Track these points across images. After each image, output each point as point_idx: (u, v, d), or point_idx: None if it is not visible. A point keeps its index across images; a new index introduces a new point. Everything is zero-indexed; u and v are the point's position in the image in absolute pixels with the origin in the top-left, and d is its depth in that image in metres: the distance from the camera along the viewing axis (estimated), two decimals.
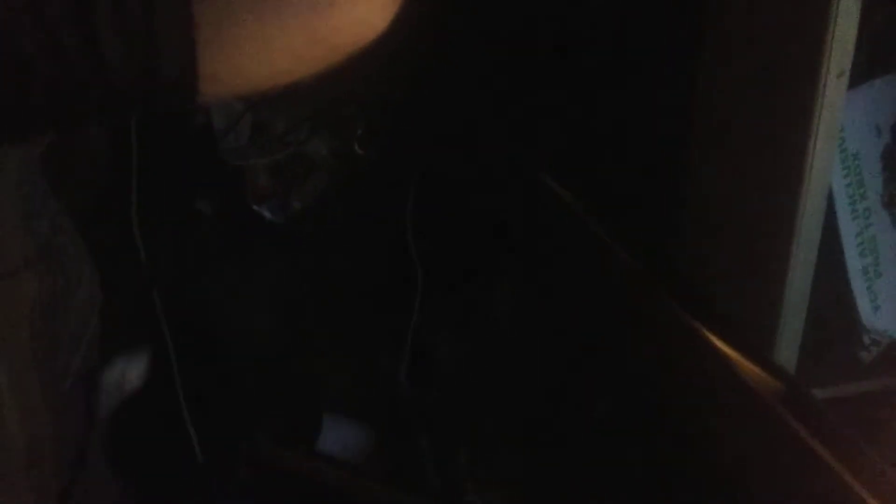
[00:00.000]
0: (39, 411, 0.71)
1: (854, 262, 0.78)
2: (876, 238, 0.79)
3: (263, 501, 0.92)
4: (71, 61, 0.39)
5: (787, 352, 0.77)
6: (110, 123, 0.65)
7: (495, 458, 1.01)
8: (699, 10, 0.72)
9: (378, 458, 1.03)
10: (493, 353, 1.01)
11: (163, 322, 0.87)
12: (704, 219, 0.77)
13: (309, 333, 1.00)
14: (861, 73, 0.70)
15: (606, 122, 0.87)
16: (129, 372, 0.83)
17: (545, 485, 0.94)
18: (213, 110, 0.84)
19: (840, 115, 0.65)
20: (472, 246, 0.98)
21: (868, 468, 0.60)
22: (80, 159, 0.79)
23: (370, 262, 0.98)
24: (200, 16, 0.39)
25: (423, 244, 0.97)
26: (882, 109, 0.76)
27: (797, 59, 0.63)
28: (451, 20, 0.68)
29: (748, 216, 0.73)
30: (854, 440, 0.63)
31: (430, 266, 0.97)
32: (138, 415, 0.87)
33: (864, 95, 0.74)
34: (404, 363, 1.02)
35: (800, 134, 0.65)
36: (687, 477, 0.75)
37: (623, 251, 0.79)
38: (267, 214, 0.94)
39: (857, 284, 0.79)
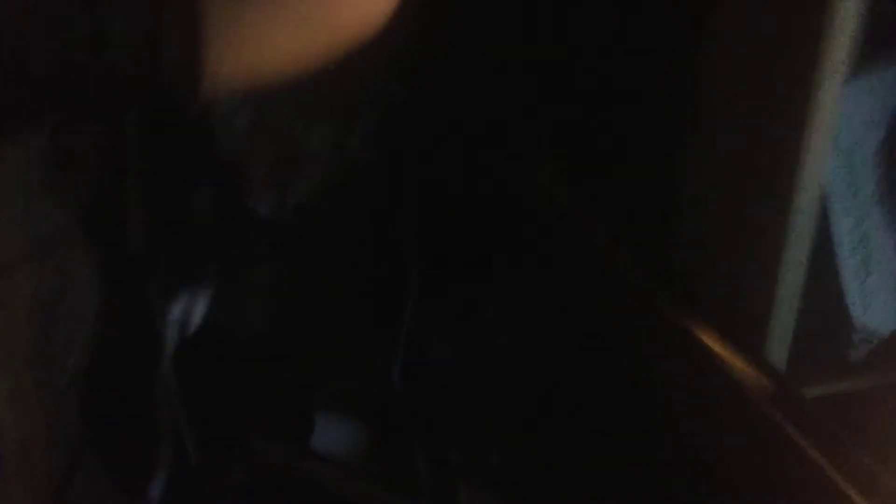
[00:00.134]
0: (34, 411, 0.71)
1: (846, 260, 0.79)
2: (868, 235, 0.80)
3: (257, 501, 0.92)
4: (76, 48, 0.39)
5: (779, 349, 0.77)
6: (111, 115, 0.65)
7: (488, 460, 1.02)
8: (696, 6, 0.72)
9: (371, 458, 1.03)
10: (487, 354, 1.01)
11: (158, 320, 0.86)
12: (699, 215, 0.78)
13: (302, 332, 1.00)
14: (857, 68, 0.71)
15: (603, 119, 0.87)
16: (194, 307, 0.83)
17: (538, 486, 0.94)
18: (211, 106, 0.84)
19: (835, 110, 0.66)
20: (466, 245, 0.98)
21: (856, 467, 0.60)
22: (78, 155, 0.79)
23: (364, 260, 0.98)
24: (207, 7, 0.40)
25: (419, 243, 0.97)
26: (877, 105, 0.77)
27: (793, 55, 0.64)
28: (448, 18, 0.69)
29: (742, 212, 0.73)
30: (842, 439, 0.64)
31: (425, 265, 0.97)
32: (130, 414, 0.86)
33: (859, 91, 0.74)
34: (398, 363, 1.02)
35: (794, 129, 0.66)
36: (677, 476, 0.76)
37: (617, 250, 0.79)
38: (262, 211, 0.94)
39: (849, 282, 0.80)
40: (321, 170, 0.93)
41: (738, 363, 0.71)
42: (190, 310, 0.85)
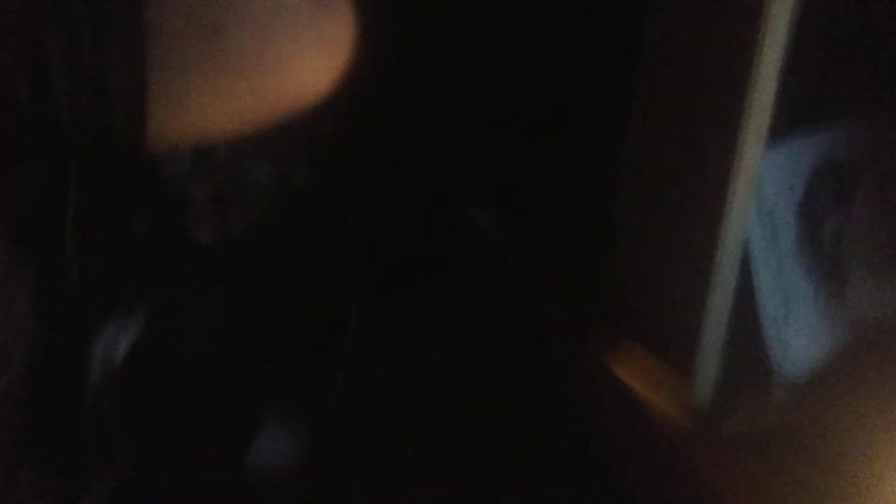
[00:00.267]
0: None
1: (766, 310, 0.82)
2: (787, 286, 0.83)
3: None
4: (17, 101, 0.40)
5: (703, 390, 0.80)
6: (51, 164, 0.65)
7: (425, 482, 1.03)
8: (632, 61, 0.75)
9: (306, 478, 1.03)
10: (427, 380, 1.03)
11: (95, 344, 0.86)
12: (627, 258, 0.80)
13: (241, 358, 1.00)
14: (779, 134, 0.75)
15: (539, 158, 0.90)
16: (118, 343, 0.83)
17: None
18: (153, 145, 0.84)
19: (756, 172, 0.69)
20: (407, 274, 0.99)
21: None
22: (14, 176, 0.79)
23: (305, 288, 0.98)
24: (153, 66, 0.41)
25: (360, 272, 0.98)
26: (798, 167, 0.81)
27: (718, 120, 0.67)
28: (389, 62, 0.70)
29: (669, 260, 0.76)
30: (757, 475, 0.66)
31: (367, 294, 0.98)
32: (64, 429, 0.86)
33: (781, 154, 0.78)
34: (337, 387, 1.03)
35: (718, 188, 0.69)
36: None
37: (544, 286, 0.82)
38: (204, 239, 0.94)
39: (768, 330, 0.83)
40: (264, 200, 0.93)
41: (661, 402, 0.74)
42: (117, 341, 0.85)
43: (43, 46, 0.39)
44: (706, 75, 0.67)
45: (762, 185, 0.77)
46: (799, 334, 0.86)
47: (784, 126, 0.75)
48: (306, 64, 0.45)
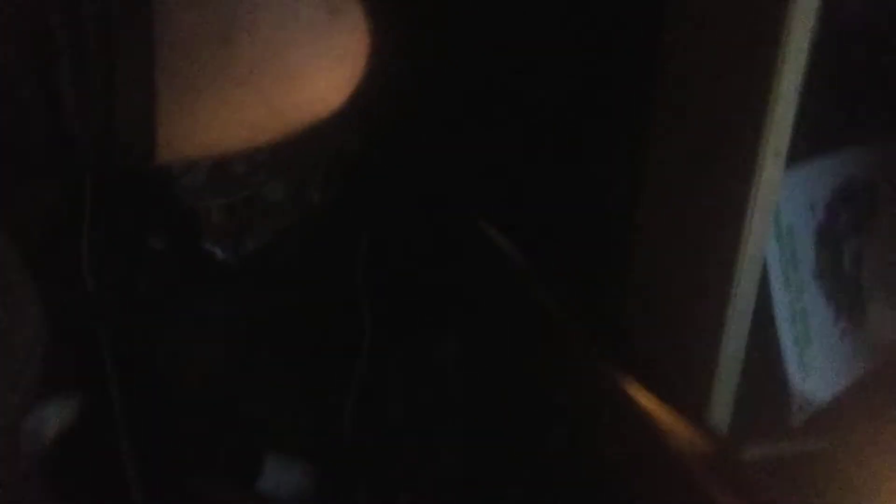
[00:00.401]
0: None
1: (786, 331, 0.81)
2: (807, 308, 0.82)
3: None
4: (30, 119, 0.39)
5: (721, 413, 0.79)
6: (64, 179, 0.65)
7: None
8: (651, 82, 0.74)
9: (317, 501, 1.03)
10: (439, 402, 1.02)
11: (107, 358, 0.86)
12: (645, 280, 0.79)
13: (255, 374, 1.00)
14: (799, 153, 0.74)
15: (556, 180, 0.89)
16: (50, 419, 0.82)
17: None
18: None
19: (776, 192, 0.68)
20: (421, 294, 0.99)
21: None
22: (31, 191, 0.79)
23: (320, 305, 0.98)
24: (161, 83, 0.40)
25: (374, 290, 0.98)
26: (817, 188, 0.80)
27: (737, 139, 0.66)
28: (404, 79, 0.70)
29: (687, 281, 0.75)
30: (779, 501, 0.65)
31: (380, 312, 0.98)
32: (75, 452, 0.86)
33: (800, 174, 0.77)
34: (350, 408, 1.02)
35: (737, 208, 0.68)
36: None
37: (562, 309, 0.81)
38: (219, 254, 0.94)
39: (788, 352, 0.82)
40: (279, 217, 0.94)
41: (678, 425, 0.73)
42: (44, 421, 0.85)
43: (52, 58, 0.39)
44: (725, 96, 0.66)
45: (781, 206, 0.76)
46: (819, 357, 0.84)
47: (804, 147, 0.74)
48: (319, 76, 0.44)
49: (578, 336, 0.81)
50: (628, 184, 0.76)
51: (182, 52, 0.41)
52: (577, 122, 0.85)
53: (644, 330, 0.79)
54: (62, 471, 0.85)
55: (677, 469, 0.72)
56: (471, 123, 0.89)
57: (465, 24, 0.84)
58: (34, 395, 0.77)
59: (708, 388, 0.77)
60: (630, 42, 0.77)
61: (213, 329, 0.95)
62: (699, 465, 0.71)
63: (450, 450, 1.01)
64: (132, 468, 0.89)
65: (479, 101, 0.88)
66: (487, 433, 1.00)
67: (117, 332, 0.86)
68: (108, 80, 0.39)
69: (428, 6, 0.77)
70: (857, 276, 0.84)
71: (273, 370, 0.99)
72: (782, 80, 0.62)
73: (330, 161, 0.92)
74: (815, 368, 0.85)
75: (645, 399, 0.75)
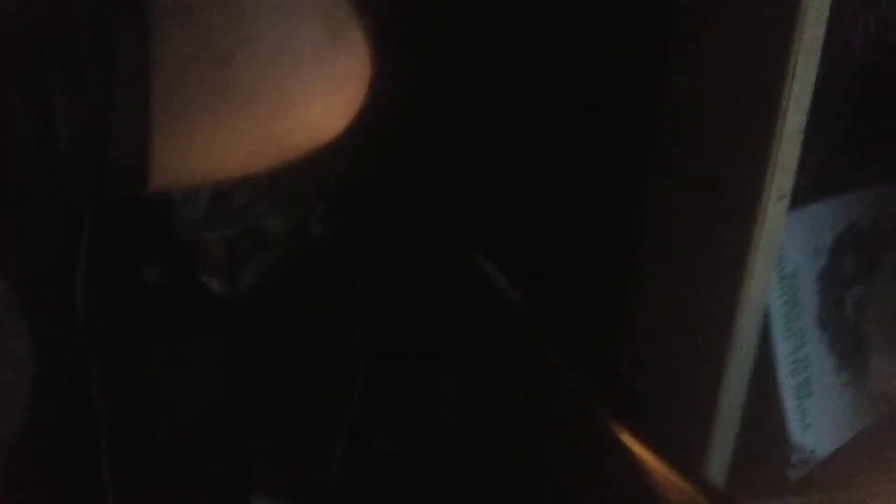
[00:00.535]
0: None
1: (786, 380, 0.80)
2: (809, 357, 0.81)
3: None
4: (22, 144, 0.39)
5: (718, 466, 0.77)
6: (58, 206, 0.64)
7: None
8: (654, 122, 0.74)
9: None
10: (434, 443, 1.01)
11: (95, 391, 0.85)
12: (644, 325, 0.78)
13: (245, 410, 0.99)
14: (803, 196, 0.73)
15: (556, 217, 0.89)
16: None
17: None
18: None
19: (779, 236, 0.67)
20: (418, 332, 0.98)
21: None
22: (27, 219, 0.78)
23: (314, 342, 0.97)
24: (157, 106, 0.40)
25: (369, 328, 0.97)
26: (821, 232, 0.79)
27: (740, 181, 0.66)
28: (403, 114, 0.70)
29: (687, 327, 0.74)
30: None
31: (375, 351, 0.97)
32: (59, 486, 0.84)
33: (804, 218, 0.77)
34: (340, 448, 1.01)
35: (739, 252, 0.67)
36: None
37: (557, 351, 0.80)
38: (216, 286, 0.94)
39: (788, 402, 0.81)
40: (278, 250, 0.93)
41: (675, 478, 0.71)
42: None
43: (46, 79, 0.38)
44: (728, 137, 0.66)
45: (784, 251, 0.75)
46: (819, 409, 0.83)
47: (808, 189, 0.74)
48: (319, 102, 0.43)
49: (575, 383, 0.80)
50: (629, 225, 0.76)
51: (178, 74, 0.40)
52: (580, 161, 0.85)
53: (641, 377, 0.78)
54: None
55: None
56: (471, 158, 0.89)
57: (468, 53, 0.84)
58: (21, 426, 0.76)
59: (706, 440, 0.75)
60: (633, 81, 0.77)
61: (203, 363, 0.94)
62: None
63: (444, 492, 0.99)
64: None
65: (481, 135, 0.88)
66: (484, 475, 0.98)
67: (107, 364, 0.85)
68: (103, 103, 0.39)
69: (431, 33, 0.77)
70: (860, 324, 0.83)
71: (264, 406, 0.97)
72: (786, 123, 0.62)
73: (330, 193, 0.91)
74: (816, 420, 0.83)
75: (641, 450, 0.74)
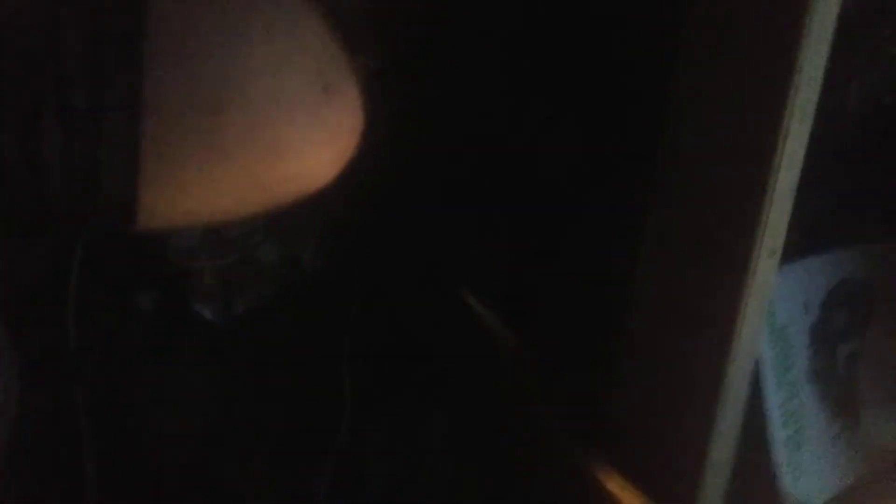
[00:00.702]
0: None
1: (777, 432, 0.79)
2: (800, 410, 0.80)
3: None
4: (11, 182, 0.39)
5: None
6: (48, 239, 0.64)
7: None
8: (647, 175, 0.74)
9: None
10: (421, 479, 1.00)
11: (82, 416, 0.85)
12: (634, 374, 0.78)
13: (234, 439, 0.98)
14: (794, 252, 0.73)
15: (547, 258, 0.89)
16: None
17: None
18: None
19: (770, 291, 0.67)
20: (407, 368, 0.98)
21: None
22: (18, 248, 0.78)
23: (303, 372, 0.97)
24: (145, 153, 0.40)
25: (358, 361, 0.96)
26: (811, 287, 0.79)
27: (731, 237, 0.66)
28: (396, 151, 0.70)
29: (677, 378, 0.74)
30: None
31: (363, 384, 0.97)
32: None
33: (795, 273, 0.76)
34: (327, 479, 1.00)
35: (730, 306, 0.67)
36: None
37: (545, 395, 0.79)
38: (208, 315, 0.94)
39: (780, 453, 0.80)
40: (270, 281, 0.93)
41: None
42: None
43: (37, 120, 0.38)
44: (721, 192, 0.66)
45: (775, 305, 0.75)
46: (811, 461, 0.83)
47: (799, 244, 0.74)
48: (309, 152, 0.43)
49: (562, 427, 0.80)
50: (619, 276, 0.76)
51: (169, 120, 0.40)
52: (573, 209, 0.85)
53: (631, 425, 0.78)
54: None
55: None
56: (463, 197, 0.89)
57: (460, 97, 0.84)
58: (3, 450, 0.75)
59: (696, 489, 0.75)
60: (629, 134, 0.77)
61: (192, 391, 0.94)
62: None
63: None
64: None
65: (474, 176, 0.88)
66: None
67: (94, 390, 0.85)
68: (93, 144, 0.39)
69: (423, 83, 0.78)
70: (852, 378, 0.83)
71: (252, 435, 0.97)
72: (779, 180, 0.62)
73: (323, 228, 0.91)
74: (807, 472, 0.83)
75: (630, 498, 0.73)
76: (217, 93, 0.41)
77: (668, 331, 0.72)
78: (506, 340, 0.85)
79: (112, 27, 0.39)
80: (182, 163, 0.42)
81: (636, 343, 0.76)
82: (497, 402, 0.90)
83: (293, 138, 0.43)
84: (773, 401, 0.78)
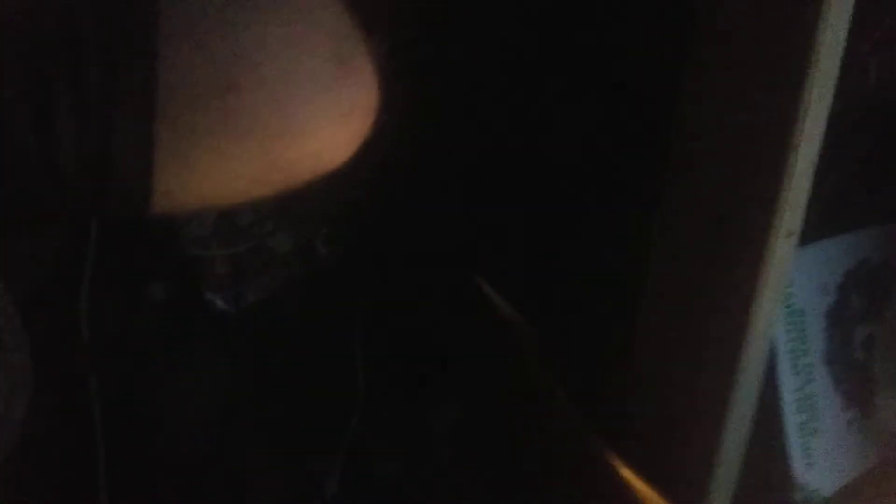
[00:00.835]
0: None
1: (791, 418, 0.79)
2: (815, 395, 0.80)
3: None
4: (26, 169, 0.38)
5: (720, 503, 0.76)
6: (62, 222, 0.64)
7: None
8: (662, 155, 0.74)
9: None
10: (431, 470, 1.00)
11: (95, 406, 0.84)
12: (647, 359, 0.78)
13: (244, 429, 0.98)
14: (812, 232, 0.73)
15: (562, 243, 0.88)
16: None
17: None
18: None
19: (787, 272, 0.67)
20: (420, 357, 0.97)
21: None
22: (32, 236, 0.78)
23: (315, 363, 0.97)
24: (160, 134, 0.39)
25: (371, 353, 0.96)
26: (829, 269, 0.78)
27: (749, 217, 0.65)
28: (414, 134, 0.70)
29: (691, 362, 0.73)
30: None
31: (375, 376, 0.96)
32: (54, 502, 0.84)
33: (813, 254, 0.76)
34: (337, 470, 1.00)
35: (746, 288, 0.66)
36: None
37: (559, 383, 0.79)
38: (220, 304, 0.93)
39: (793, 440, 0.80)
40: (282, 269, 0.93)
41: None
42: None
43: (50, 102, 0.38)
44: (738, 173, 0.65)
45: (792, 285, 0.74)
46: (825, 447, 0.82)
47: (817, 226, 0.73)
48: (324, 131, 0.43)
49: (575, 413, 0.79)
50: (635, 258, 0.75)
51: (184, 99, 0.40)
52: (588, 190, 0.84)
53: (643, 412, 0.77)
54: None
55: None
56: (477, 183, 0.89)
57: (475, 78, 0.84)
58: (16, 441, 0.75)
59: (708, 477, 0.74)
60: (644, 113, 0.76)
61: (204, 380, 0.94)
62: None
63: None
64: None
65: (487, 160, 0.87)
66: (481, 502, 0.97)
67: (107, 379, 0.85)
68: (107, 126, 0.38)
69: (439, 62, 0.77)
70: (868, 363, 0.82)
71: (262, 425, 0.97)
72: (798, 160, 0.61)
73: (336, 214, 0.91)
74: (821, 459, 0.82)
75: (642, 487, 0.73)
76: (231, 72, 0.41)
77: (683, 314, 0.72)
78: (520, 328, 0.85)
79: (126, 9, 0.39)
80: (196, 143, 0.41)
81: (651, 326, 0.75)
82: (510, 393, 0.89)
83: (308, 117, 0.43)
84: (788, 386, 0.77)
